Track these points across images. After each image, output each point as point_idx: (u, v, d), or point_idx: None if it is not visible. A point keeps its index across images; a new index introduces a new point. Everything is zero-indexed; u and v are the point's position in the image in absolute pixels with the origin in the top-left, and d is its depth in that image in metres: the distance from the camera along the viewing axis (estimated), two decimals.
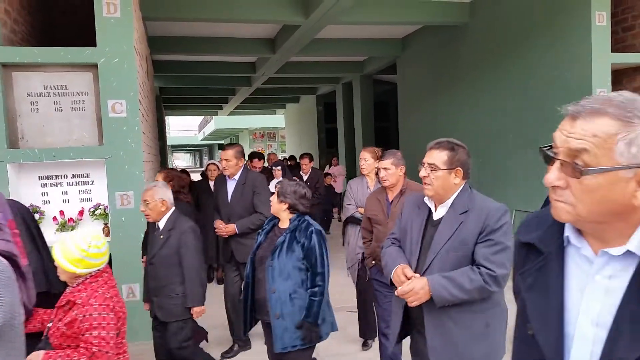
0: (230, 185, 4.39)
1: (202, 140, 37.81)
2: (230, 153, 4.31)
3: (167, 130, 22.53)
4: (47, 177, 4.74)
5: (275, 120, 25.76)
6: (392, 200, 3.55)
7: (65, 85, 4.70)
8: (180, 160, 75.87)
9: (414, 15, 8.26)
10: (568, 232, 1.12)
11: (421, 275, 2.30)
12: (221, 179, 4.51)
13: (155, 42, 9.15)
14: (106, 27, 4.52)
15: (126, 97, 4.60)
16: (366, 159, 4.26)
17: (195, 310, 3.44)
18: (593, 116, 0.99)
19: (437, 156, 2.38)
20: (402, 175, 3.53)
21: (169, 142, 27.68)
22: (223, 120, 26.08)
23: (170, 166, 19.89)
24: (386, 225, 3.46)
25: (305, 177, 7.44)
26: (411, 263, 2.39)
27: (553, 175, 1.08)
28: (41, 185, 4.72)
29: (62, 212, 4.74)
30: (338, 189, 11.59)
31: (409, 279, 2.28)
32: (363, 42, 10.55)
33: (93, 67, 4.63)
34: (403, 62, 11.11)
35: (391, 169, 3.46)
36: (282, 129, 25.59)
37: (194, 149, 59.45)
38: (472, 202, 2.35)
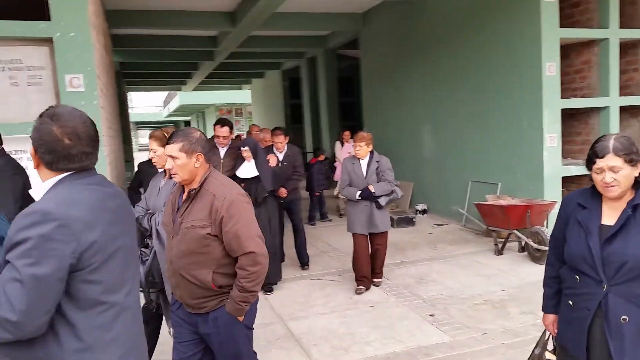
0: None
1: (167, 116, 37.12)
2: None
3: (130, 106, 22.07)
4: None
5: (241, 95, 25.50)
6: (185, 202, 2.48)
7: (20, 60, 4.63)
8: (145, 138, 73.91)
9: None
10: None
11: None
12: None
13: (113, 16, 8.96)
14: (60, 1, 4.47)
15: (83, 71, 4.57)
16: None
17: None
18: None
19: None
20: (202, 165, 2.43)
21: (132, 119, 27.13)
22: (188, 96, 25.65)
23: (134, 144, 19.37)
24: (171, 240, 2.51)
25: (280, 156, 6.04)
26: None
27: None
28: None
29: None
30: None
31: None
32: (325, 16, 10.57)
33: (48, 41, 4.58)
34: (365, 37, 11.20)
35: (180, 157, 2.39)
36: (249, 105, 25.39)
37: (159, 126, 58.20)
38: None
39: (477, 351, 3.75)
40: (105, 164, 4.77)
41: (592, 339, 2.02)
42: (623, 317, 1.91)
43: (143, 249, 3.00)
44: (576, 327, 2.06)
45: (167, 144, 2.44)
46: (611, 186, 1.94)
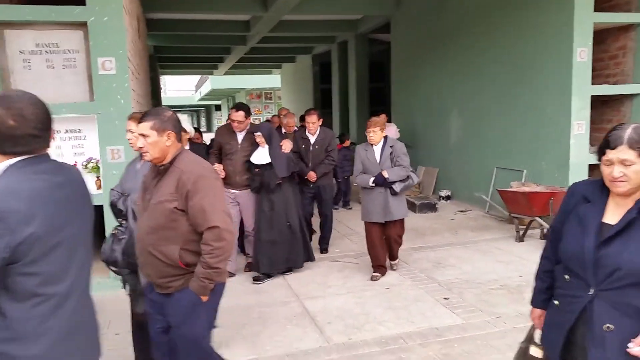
0: None
1: (199, 100, 37.62)
2: None
3: (163, 90, 22.50)
4: None
5: (271, 80, 25.64)
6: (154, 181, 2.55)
7: (57, 43, 4.86)
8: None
9: None
10: None
11: None
12: None
13: (148, 1, 9.17)
14: None
15: (115, 54, 4.77)
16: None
17: None
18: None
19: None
20: (173, 144, 2.46)
21: (166, 102, 27.64)
22: (219, 80, 25.95)
23: None
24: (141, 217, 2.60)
25: (312, 139, 5.83)
26: None
27: None
28: None
29: None
30: None
31: None
32: (357, 0, 10.55)
33: (83, 25, 4.78)
34: (396, 21, 11.13)
35: (151, 135, 2.42)
36: (279, 89, 25.53)
37: (192, 110, 58.96)
38: None
39: (489, 334, 3.82)
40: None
41: (573, 344, 1.85)
42: (607, 325, 1.73)
43: (119, 228, 3.00)
44: (556, 329, 1.90)
45: (139, 123, 2.46)
46: (619, 181, 1.72)
